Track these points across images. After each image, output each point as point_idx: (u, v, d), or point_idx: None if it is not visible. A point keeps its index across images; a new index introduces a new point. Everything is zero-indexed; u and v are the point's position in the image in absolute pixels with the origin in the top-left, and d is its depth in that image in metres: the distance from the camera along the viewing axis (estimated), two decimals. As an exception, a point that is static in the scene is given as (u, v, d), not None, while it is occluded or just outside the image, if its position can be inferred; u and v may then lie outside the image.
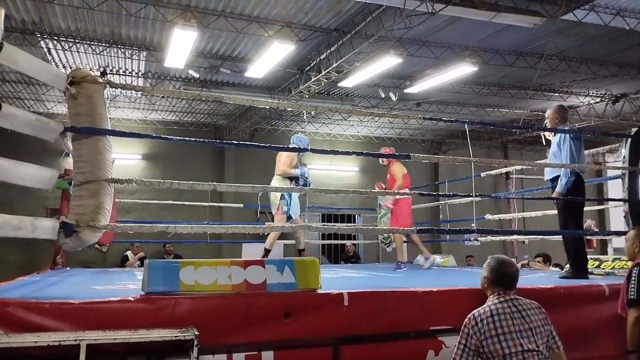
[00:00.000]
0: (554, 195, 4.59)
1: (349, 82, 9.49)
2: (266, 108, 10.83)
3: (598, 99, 11.69)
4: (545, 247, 8.78)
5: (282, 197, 5.89)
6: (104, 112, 3.08)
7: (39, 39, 8.02)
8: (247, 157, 12.81)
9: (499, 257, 3.02)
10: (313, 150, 4.02)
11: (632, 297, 3.16)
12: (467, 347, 2.71)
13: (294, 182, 5.99)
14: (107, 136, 3.08)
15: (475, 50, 8.74)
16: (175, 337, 2.28)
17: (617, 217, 5.43)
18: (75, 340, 2.11)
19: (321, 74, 8.77)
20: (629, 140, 4.94)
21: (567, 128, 4.78)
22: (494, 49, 8.86)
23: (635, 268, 3.24)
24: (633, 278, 3.20)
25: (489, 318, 2.73)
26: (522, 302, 2.85)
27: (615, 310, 3.38)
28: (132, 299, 2.51)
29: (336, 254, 12.79)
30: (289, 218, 6.01)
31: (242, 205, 9.17)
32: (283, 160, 5.97)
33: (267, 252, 6.03)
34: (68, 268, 6.08)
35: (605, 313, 3.49)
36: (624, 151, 4.98)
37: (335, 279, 4.50)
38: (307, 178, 6.13)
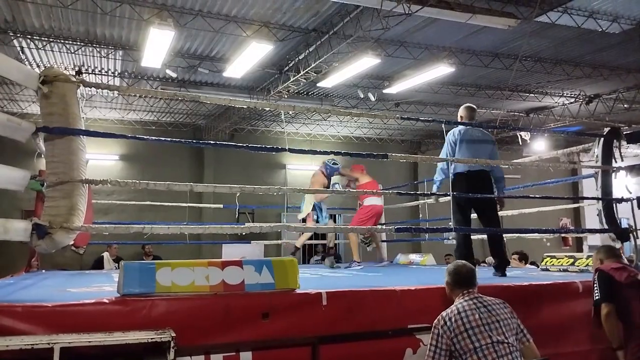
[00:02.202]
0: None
1: (328, 83, 9.50)
2: (245, 108, 10.78)
3: (572, 100, 11.91)
4: (523, 245, 8.90)
5: (314, 208, 6.72)
6: (78, 111, 3.03)
7: (12, 37, 7.86)
8: (226, 158, 12.75)
9: (454, 262, 3.21)
10: (291, 150, 4.01)
11: (597, 297, 3.36)
12: (438, 348, 2.77)
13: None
14: (81, 136, 3.03)
15: (452, 51, 8.83)
16: (152, 339, 2.25)
17: (592, 215, 5.52)
18: (48, 344, 2.07)
19: (300, 74, 8.77)
20: (602, 139, 5.02)
21: (452, 130, 4.82)
22: (471, 50, 8.97)
23: (596, 274, 3.47)
24: (595, 282, 3.42)
25: (456, 316, 2.80)
26: (486, 298, 2.94)
27: (589, 307, 3.47)
28: (107, 301, 2.47)
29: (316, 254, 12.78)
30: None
31: (221, 205, 9.12)
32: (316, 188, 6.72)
33: (296, 249, 6.99)
34: (43, 271, 5.96)
35: (579, 309, 3.56)
36: (597, 150, 5.07)
37: (314, 279, 4.51)
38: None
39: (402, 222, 10.00)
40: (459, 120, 4.96)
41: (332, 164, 6.81)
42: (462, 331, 2.74)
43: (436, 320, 2.85)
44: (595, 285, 3.39)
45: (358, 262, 6.71)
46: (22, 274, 5.32)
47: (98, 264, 9.34)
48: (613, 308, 3.25)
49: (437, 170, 4.87)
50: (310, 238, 8.19)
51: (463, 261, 3.21)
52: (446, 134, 4.86)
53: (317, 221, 6.77)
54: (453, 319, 2.79)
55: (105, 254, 9.50)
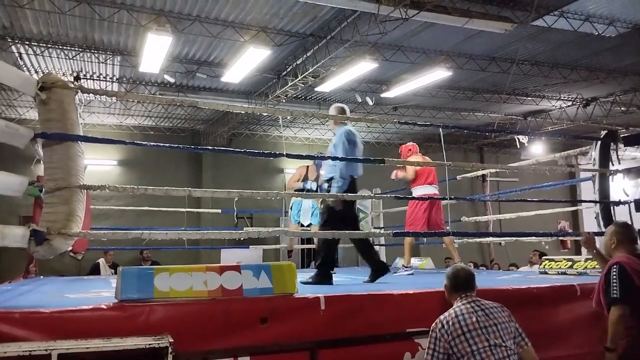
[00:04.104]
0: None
1: (326, 87, 9.53)
2: (243, 113, 10.80)
3: (570, 103, 11.95)
4: (522, 248, 8.92)
5: (291, 207, 6.82)
6: (76, 117, 3.03)
7: (10, 43, 7.87)
8: (225, 163, 12.74)
9: (453, 266, 3.21)
10: (289, 155, 4.02)
11: (615, 296, 3.14)
12: (435, 351, 2.77)
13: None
14: (79, 142, 3.04)
15: (449, 55, 8.86)
16: (150, 344, 2.25)
17: (590, 218, 5.52)
18: (46, 350, 2.07)
19: (298, 79, 8.80)
20: (599, 142, 5.04)
21: (345, 128, 4.60)
22: (468, 54, 9.00)
23: (615, 266, 3.23)
24: (614, 277, 3.19)
25: (454, 319, 2.81)
26: (484, 302, 2.94)
27: (588, 309, 3.44)
28: (105, 306, 2.46)
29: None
30: (306, 225, 6.80)
31: (219, 210, 9.11)
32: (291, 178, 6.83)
33: (289, 252, 7.27)
34: (41, 277, 5.96)
35: (578, 312, 3.55)
36: (594, 154, 5.09)
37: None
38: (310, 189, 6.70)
39: (400, 226, 9.99)
40: (338, 121, 4.70)
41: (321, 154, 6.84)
42: (460, 334, 2.75)
43: (434, 324, 2.86)
44: (614, 279, 3.15)
45: (406, 267, 6.03)
46: (20, 280, 5.31)
47: (94, 270, 9.30)
48: (627, 311, 3.11)
49: (340, 173, 4.42)
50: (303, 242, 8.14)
51: (462, 265, 3.22)
52: (442, 138, 4.78)
53: (296, 222, 6.79)
54: (450, 322, 2.80)
55: (101, 260, 9.47)
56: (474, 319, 2.79)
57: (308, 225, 6.80)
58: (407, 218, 6.10)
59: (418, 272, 6.70)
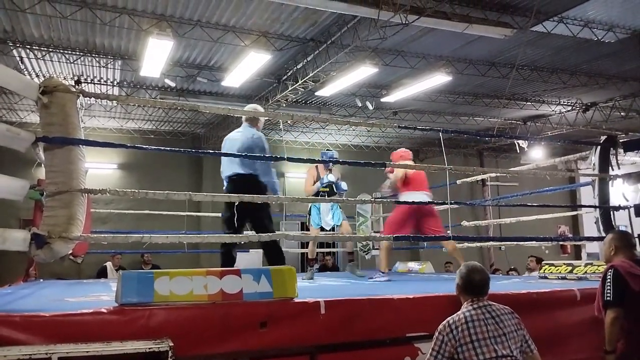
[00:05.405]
0: None
1: (326, 91, 9.55)
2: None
3: (569, 108, 11.98)
4: (522, 253, 8.90)
5: (309, 211, 6.09)
6: (77, 121, 3.04)
7: (11, 47, 7.89)
8: (225, 167, 12.74)
9: (469, 265, 3.04)
10: (289, 159, 4.03)
11: (608, 298, 3.19)
12: (440, 354, 2.72)
13: (321, 195, 5.93)
14: (80, 146, 3.04)
15: (449, 60, 8.89)
16: (149, 348, 2.25)
17: (590, 222, 5.52)
18: (46, 354, 2.07)
19: (298, 83, 8.82)
20: (598, 147, 5.05)
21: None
22: (467, 59, 9.03)
23: (610, 270, 3.29)
24: (608, 280, 3.25)
25: (463, 325, 2.75)
26: (495, 307, 2.88)
27: (588, 314, 3.44)
28: (105, 310, 2.46)
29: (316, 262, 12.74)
30: (329, 229, 6.17)
31: (220, 214, 9.11)
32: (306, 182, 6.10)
33: (309, 260, 6.23)
34: (41, 280, 5.96)
35: (578, 317, 3.55)
36: (594, 158, 5.09)
37: (313, 287, 4.51)
38: (327, 189, 5.97)
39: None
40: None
41: (327, 150, 6.33)
42: (468, 342, 2.69)
43: (442, 325, 2.79)
44: (608, 282, 3.22)
45: (383, 273, 5.55)
46: (20, 284, 5.31)
47: (101, 274, 9.38)
48: (621, 313, 3.16)
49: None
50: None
51: (478, 267, 3.01)
52: (442, 142, 4.76)
53: (317, 225, 6.03)
54: (460, 328, 2.73)
55: (108, 264, 9.58)
56: (485, 329, 2.73)
57: (331, 229, 6.18)
58: (388, 221, 5.74)
59: (417, 276, 6.70)
